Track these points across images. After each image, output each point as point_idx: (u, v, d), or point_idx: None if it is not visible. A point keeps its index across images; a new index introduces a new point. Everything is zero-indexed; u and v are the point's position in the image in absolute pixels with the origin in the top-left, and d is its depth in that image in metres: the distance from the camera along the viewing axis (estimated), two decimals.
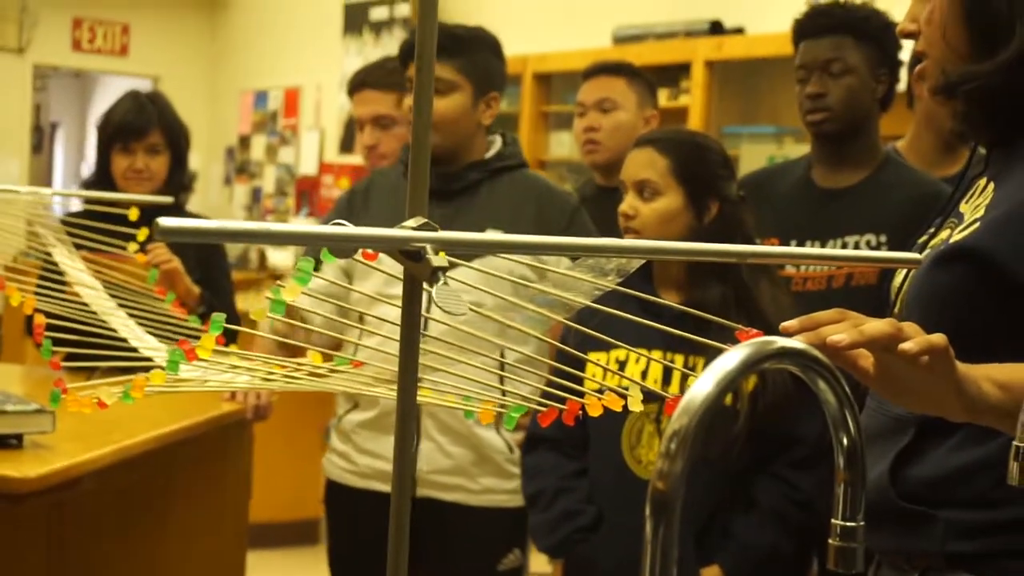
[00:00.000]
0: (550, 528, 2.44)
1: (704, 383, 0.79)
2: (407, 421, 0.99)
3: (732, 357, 0.80)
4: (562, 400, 1.21)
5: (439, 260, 0.90)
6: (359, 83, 3.29)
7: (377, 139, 3.24)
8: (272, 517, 3.36)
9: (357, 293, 2.45)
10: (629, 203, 2.40)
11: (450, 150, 2.70)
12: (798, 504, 2.30)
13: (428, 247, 0.90)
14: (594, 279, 1.05)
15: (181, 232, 0.82)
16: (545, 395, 1.24)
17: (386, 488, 2.73)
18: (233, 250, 7.18)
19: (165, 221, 0.80)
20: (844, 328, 1.13)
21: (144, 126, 3.25)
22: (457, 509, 2.72)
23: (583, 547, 2.40)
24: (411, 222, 0.91)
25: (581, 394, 1.18)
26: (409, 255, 0.91)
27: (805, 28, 2.70)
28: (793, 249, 2.59)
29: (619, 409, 1.17)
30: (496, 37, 2.82)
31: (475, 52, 2.73)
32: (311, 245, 0.87)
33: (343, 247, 0.91)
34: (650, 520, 0.80)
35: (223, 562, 3.10)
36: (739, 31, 5.68)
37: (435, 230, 0.91)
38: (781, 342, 0.83)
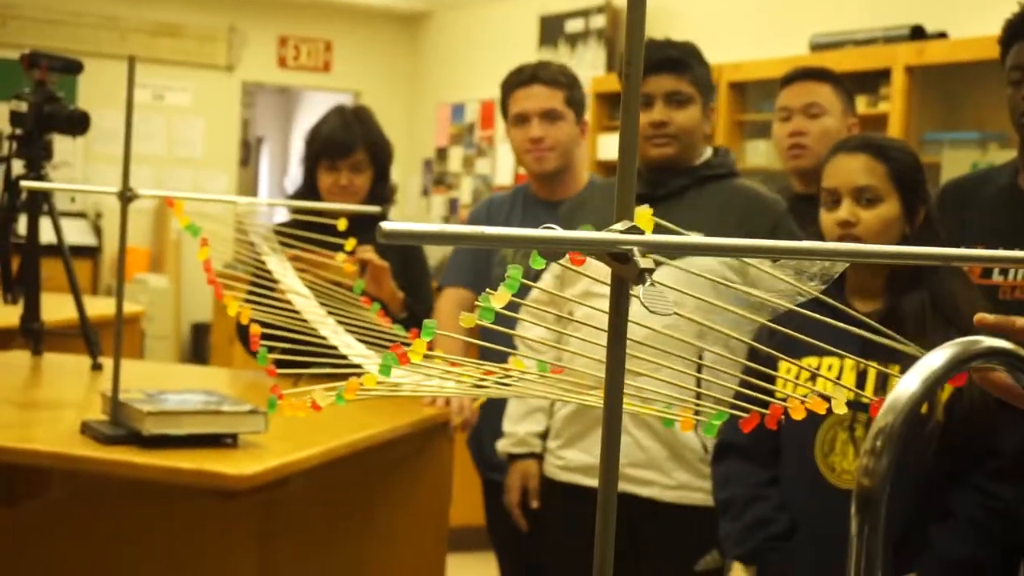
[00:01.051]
0: (742, 536, 2.43)
1: (910, 381, 0.80)
2: (614, 423, 1.01)
3: (938, 356, 0.81)
4: (760, 404, 1.22)
5: (646, 262, 0.92)
6: (529, 78, 3.31)
7: (545, 132, 3.27)
8: (472, 521, 3.42)
9: (568, 300, 2.50)
10: (849, 210, 2.35)
11: (684, 158, 2.84)
12: (998, 514, 2.25)
13: (636, 249, 0.92)
14: (797, 283, 1.06)
15: (401, 235, 0.86)
16: (742, 399, 1.25)
17: (589, 482, 2.79)
18: (433, 259, 7.30)
19: (387, 225, 0.85)
20: None
21: (350, 144, 3.33)
22: (652, 505, 2.73)
23: (776, 555, 2.39)
24: (619, 225, 0.94)
25: (780, 399, 1.19)
26: (617, 257, 0.93)
27: (1019, 27, 2.61)
28: (1001, 253, 2.53)
29: (823, 412, 1.17)
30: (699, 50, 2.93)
31: (698, 65, 2.87)
32: (522, 247, 0.91)
33: (552, 250, 0.94)
34: (856, 518, 0.81)
35: (423, 565, 3.16)
36: (942, 35, 5.55)
37: (642, 233, 0.93)
38: (988, 341, 0.83)
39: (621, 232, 0.94)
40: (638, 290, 0.93)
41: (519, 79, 3.33)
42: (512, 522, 3.07)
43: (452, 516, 3.29)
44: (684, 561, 2.71)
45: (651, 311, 0.91)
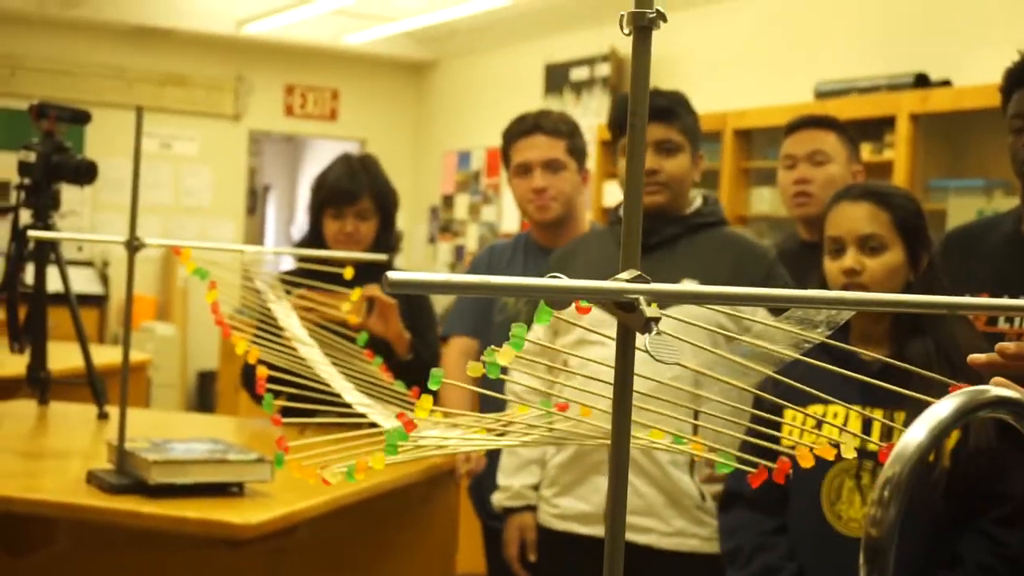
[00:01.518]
0: None
1: (917, 431, 0.80)
2: (621, 470, 1.01)
3: (945, 406, 0.81)
4: (766, 453, 1.22)
5: (652, 311, 0.93)
6: (531, 127, 3.32)
7: (548, 182, 3.28)
8: (477, 569, 3.41)
9: (565, 351, 2.50)
10: (854, 258, 2.36)
11: (675, 206, 2.86)
12: (1006, 560, 2.24)
13: (642, 298, 0.93)
14: (801, 331, 1.07)
15: (409, 284, 0.86)
16: (748, 449, 1.24)
17: (585, 530, 2.78)
18: (439, 306, 7.30)
19: (393, 274, 0.85)
20: None
21: (355, 192, 3.34)
22: (649, 552, 2.72)
23: None
24: (624, 274, 0.94)
25: (788, 447, 1.19)
26: (623, 306, 0.94)
27: (1020, 75, 2.62)
28: (1006, 301, 2.53)
29: (831, 458, 1.17)
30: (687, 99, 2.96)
31: (686, 114, 2.90)
32: (529, 297, 0.91)
33: (559, 299, 0.94)
34: (864, 568, 0.81)
35: None
36: (946, 83, 5.58)
37: (648, 282, 0.94)
38: (995, 391, 0.83)
39: (627, 281, 0.94)
40: (642, 341, 0.93)
41: (521, 128, 3.34)
42: (513, 573, 3.05)
43: (460, 564, 3.28)
44: None
45: (657, 360, 0.91)
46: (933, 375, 1.20)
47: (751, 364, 1.17)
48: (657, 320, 0.93)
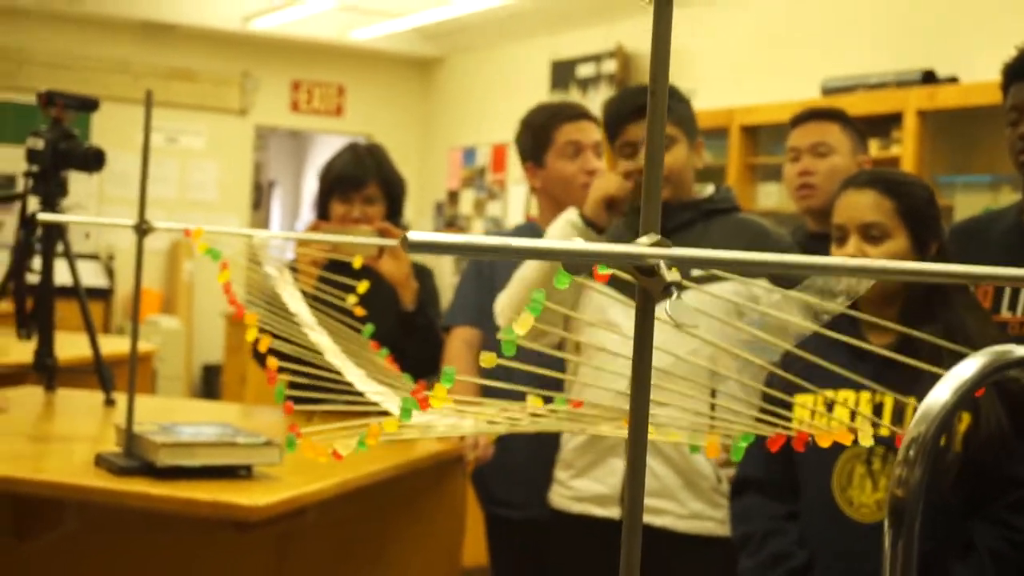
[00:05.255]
0: (761, 571, 2.42)
1: (941, 391, 0.79)
2: (639, 444, 1.01)
3: (969, 366, 0.80)
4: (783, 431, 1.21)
5: (672, 275, 0.92)
6: (580, 113, 3.32)
7: (599, 166, 3.28)
8: (485, 561, 3.41)
9: (583, 327, 2.50)
10: (855, 247, 2.36)
11: (679, 196, 2.85)
12: (1019, 547, 2.23)
13: (662, 263, 0.92)
14: (822, 302, 1.06)
15: (427, 245, 0.86)
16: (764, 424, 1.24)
17: (602, 512, 2.78)
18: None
19: (413, 234, 0.85)
20: None
21: (362, 178, 3.36)
22: (665, 534, 2.72)
23: None
24: (645, 239, 0.94)
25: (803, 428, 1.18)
26: (643, 271, 0.93)
27: (1017, 70, 2.63)
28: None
29: (848, 443, 1.17)
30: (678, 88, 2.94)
31: (678, 104, 2.88)
32: (548, 260, 0.91)
33: (579, 262, 0.94)
34: (890, 530, 0.80)
35: None
36: (953, 80, 5.57)
37: (668, 247, 0.93)
38: (1020, 351, 0.83)
39: (647, 245, 0.94)
40: (662, 311, 0.93)
41: (565, 113, 3.34)
42: (515, 558, 3.06)
43: (464, 556, 3.27)
44: None
45: (677, 325, 0.91)
46: (936, 370, 1.19)
47: (767, 336, 1.17)
48: (678, 284, 0.92)
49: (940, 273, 1.00)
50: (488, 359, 1.17)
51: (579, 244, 0.91)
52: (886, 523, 0.82)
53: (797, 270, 0.99)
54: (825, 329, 1.16)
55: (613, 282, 1.03)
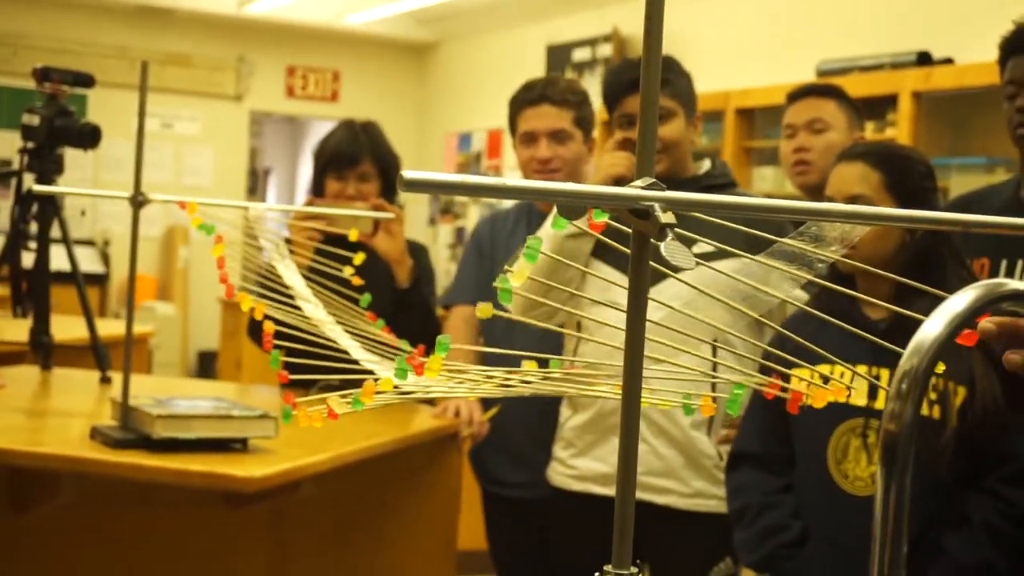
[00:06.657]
0: (755, 543, 2.42)
1: (934, 324, 0.79)
2: (633, 404, 1.00)
3: (961, 299, 0.80)
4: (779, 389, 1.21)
5: (667, 217, 0.92)
6: (538, 97, 3.25)
7: (553, 152, 3.24)
8: (482, 544, 3.41)
9: (577, 295, 2.50)
10: None
11: (676, 171, 2.86)
12: (1013, 520, 2.24)
13: (656, 205, 0.93)
14: (816, 249, 1.07)
15: (423, 184, 0.87)
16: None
17: (603, 491, 2.78)
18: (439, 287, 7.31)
19: (409, 173, 0.85)
20: None
21: (356, 154, 3.36)
22: (668, 512, 2.73)
23: (790, 562, 2.38)
24: (640, 181, 0.94)
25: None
26: (638, 213, 0.93)
27: (1014, 44, 2.62)
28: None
29: (843, 399, 1.17)
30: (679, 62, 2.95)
31: (677, 78, 2.89)
32: (543, 199, 0.91)
33: (573, 203, 0.94)
34: (883, 469, 0.80)
35: (433, 575, 3.15)
36: (948, 61, 5.57)
37: (663, 189, 0.94)
38: (1013, 284, 0.82)
39: (642, 188, 0.94)
40: (661, 244, 0.92)
41: (528, 97, 3.30)
42: (512, 536, 3.06)
43: (460, 539, 3.27)
44: (697, 568, 2.71)
45: (673, 264, 0.91)
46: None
47: (766, 289, 1.17)
48: (672, 226, 0.93)
49: (931, 220, 1.00)
50: (484, 309, 1.16)
51: (574, 186, 0.91)
52: (879, 463, 0.82)
53: (789, 214, 0.99)
54: (820, 311, 1.15)
55: (615, 262, 1.03)
